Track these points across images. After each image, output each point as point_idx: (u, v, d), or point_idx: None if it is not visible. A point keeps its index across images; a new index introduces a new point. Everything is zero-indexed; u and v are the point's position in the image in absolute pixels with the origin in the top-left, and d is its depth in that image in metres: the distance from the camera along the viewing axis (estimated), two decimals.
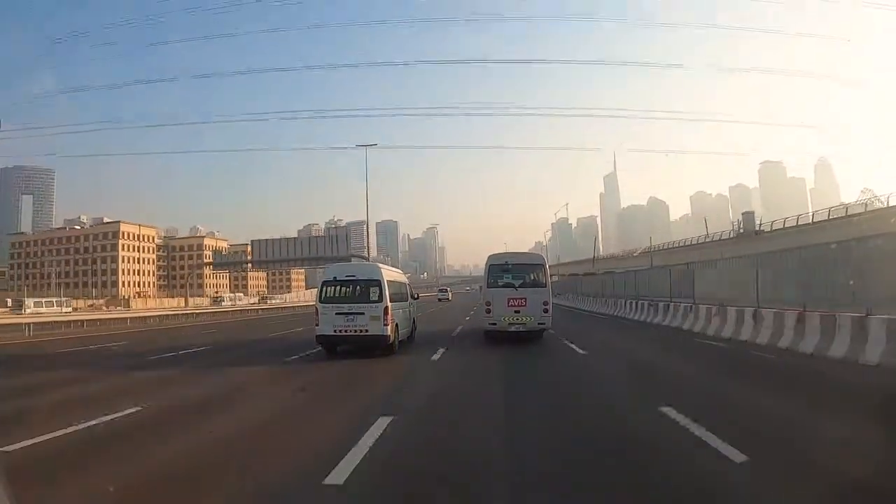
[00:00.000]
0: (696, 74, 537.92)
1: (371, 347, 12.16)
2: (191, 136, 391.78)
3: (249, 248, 58.09)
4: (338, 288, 12.72)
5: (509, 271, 15.06)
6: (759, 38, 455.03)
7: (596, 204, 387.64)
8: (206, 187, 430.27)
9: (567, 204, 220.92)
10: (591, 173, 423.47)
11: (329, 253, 47.98)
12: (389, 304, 12.19)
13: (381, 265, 14.04)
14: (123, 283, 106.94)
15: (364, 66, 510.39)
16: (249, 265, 58.87)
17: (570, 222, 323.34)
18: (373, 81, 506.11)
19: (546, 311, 14.35)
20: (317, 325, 12.28)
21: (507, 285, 14.75)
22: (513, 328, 14.22)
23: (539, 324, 14.32)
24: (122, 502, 4.03)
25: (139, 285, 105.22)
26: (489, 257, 15.72)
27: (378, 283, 12.28)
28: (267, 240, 50.98)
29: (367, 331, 11.96)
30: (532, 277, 15.01)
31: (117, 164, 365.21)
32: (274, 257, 49.73)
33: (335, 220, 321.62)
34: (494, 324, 14.50)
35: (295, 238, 49.66)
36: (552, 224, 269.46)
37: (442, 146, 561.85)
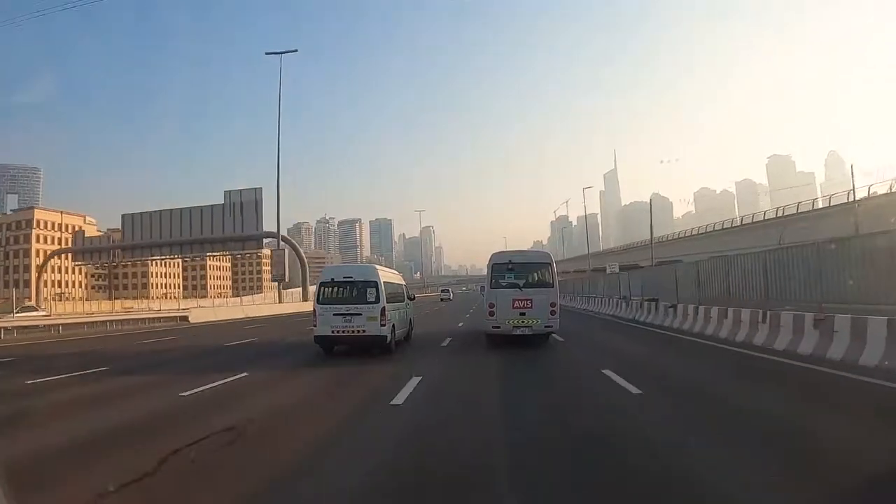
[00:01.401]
0: (701, 67, 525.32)
1: (368, 347, 12.26)
2: (184, 134, 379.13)
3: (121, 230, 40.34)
4: (335, 289, 12.79)
5: (513, 270, 13.72)
6: (767, 28, 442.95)
7: (597, 202, 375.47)
8: (197, 184, 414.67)
9: (567, 201, 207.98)
10: (592, 170, 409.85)
11: (231, 230, 32.65)
12: (386, 304, 12.30)
13: (377, 266, 14.03)
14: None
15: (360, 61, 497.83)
16: (115, 253, 41.75)
17: (570, 220, 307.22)
18: (369, 78, 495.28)
19: (553, 312, 13.10)
20: (314, 325, 12.35)
21: (511, 285, 13.47)
22: (518, 332, 13.06)
23: (546, 326, 13.19)
24: None
25: (61, 284, 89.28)
26: (492, 256, 14.18)
27: (375, 284, 12.37)
28: (142, 213, 34.15)
29: (364, 331, 12.07)
30: (538, 277, 13.73)
31: (107, 162, 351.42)
32: (153, 239, 33.42)
33: (326, 217, 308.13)
34: (498, 327, 13.27)
35: (182, 209, 32.83)
36: (551, 223, 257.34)
37: (439, 145, 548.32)
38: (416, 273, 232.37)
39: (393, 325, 12.67)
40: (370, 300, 12.16)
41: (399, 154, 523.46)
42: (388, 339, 12.31)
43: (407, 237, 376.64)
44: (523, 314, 13.00)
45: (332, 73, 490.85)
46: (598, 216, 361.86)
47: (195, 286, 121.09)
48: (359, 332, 12.03)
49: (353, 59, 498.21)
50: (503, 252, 14.73)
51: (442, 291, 75.24)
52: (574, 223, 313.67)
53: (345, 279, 12.82)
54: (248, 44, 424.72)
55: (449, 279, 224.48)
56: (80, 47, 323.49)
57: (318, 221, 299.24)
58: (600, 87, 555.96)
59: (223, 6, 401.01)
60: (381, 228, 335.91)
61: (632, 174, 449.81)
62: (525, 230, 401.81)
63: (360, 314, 12.04)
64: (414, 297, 17.59)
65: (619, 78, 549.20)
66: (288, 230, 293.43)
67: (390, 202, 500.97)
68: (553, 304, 13.17)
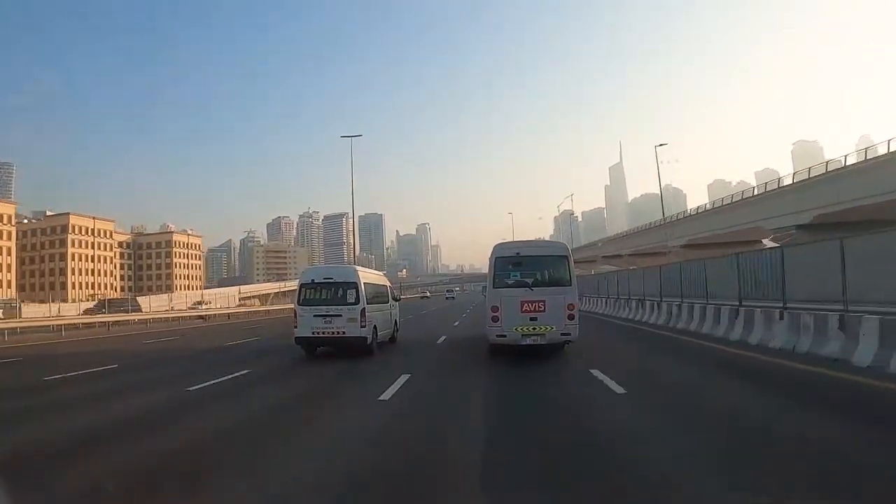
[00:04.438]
0: (714, 55, 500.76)
1: (349, 349, 12.17)
2: (166, 130, 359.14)
3: None
4: (315, 290, 12.73)
5: (522, 265, 11.34)
6: (787, 10, 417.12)
7: (602, 196, 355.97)
8: (179, 181, 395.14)
9: (572, 194, 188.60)
10: (598, 165, 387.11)
11: None
12: (366, 305, 12.31)
13: (358, 267, 14.13)
14: None
15: (357, 54, 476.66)
16: None
17: (575, 215, 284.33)
18: (367, 68, 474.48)
19: (572, 317, 10.79)
20: (295, 327, 12.34)
21: (519, 284, 11.09)
22: (528, 341, 10.64)
23: (562, 334, 10.76)
24: None
25: None
26: (495, 247, 11.73)
27: (354, 286, 12.36)
28: None
29: (344, 333, 12.05)
30: (552, 273, 11.29)
31: (85, 158, 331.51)
32: None
33: (310, 211, 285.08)
34: (503, 335, 10.85)
35: None
36: (554, 218, 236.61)
37: (440, 143, 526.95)
38: (399, 271, 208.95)
39: (374, 327, 12.76)
40: (350, 301, 12.16)
41: (396, 150, 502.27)
42: (369, 340, 12.32)
43: (401, 234, 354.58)
44: (534, 319, 10.66)
45: (329, 67, 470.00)
46: (604, 211, 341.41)
47: (33, 285, 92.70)
48: (339, 333, 12.04)
49: (350, 54, 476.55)
50: (508, 243, 12.62)
51: (447, 291, 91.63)
52: (579, 218, 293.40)
53: (325, 280, 12.81)
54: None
55: (441, 277, 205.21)
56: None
57: (301, 216, 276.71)
58: (606, 78, 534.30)
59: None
60: (372, 224, 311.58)
61: (640, 168, 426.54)
62: (527, 227, 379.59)
63: (341, 315, 12.05)
64: (399, 299, 17.61)
65: (625, 69, 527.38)
66: (267, 225, 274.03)
67: (386, 199, 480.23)
68: (571, 307, 10.84)
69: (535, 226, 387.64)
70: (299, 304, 12.36)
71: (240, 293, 77.02)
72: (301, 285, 12.72)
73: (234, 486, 4.36)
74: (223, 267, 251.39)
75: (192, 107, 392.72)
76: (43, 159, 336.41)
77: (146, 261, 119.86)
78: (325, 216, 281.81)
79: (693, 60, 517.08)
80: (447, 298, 71.48)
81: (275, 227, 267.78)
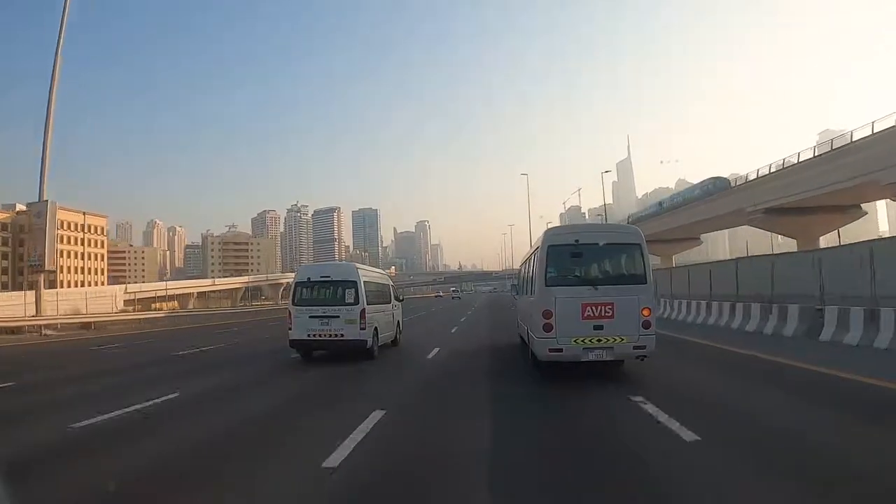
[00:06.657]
0: (731, 31, 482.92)
1: (348, 353, 11.42)
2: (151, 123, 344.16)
3: None
4: (312, 289, 12.03)
5: (582, 256, 8.38)
6: None
7: (609, 193, 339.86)
8: (162, 175, 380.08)
9: (580, 189, 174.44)
10: (604, 160, 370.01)
11: None
12: (367, 306, 11.56)
13: (358, 265, 13.24)
14: None
15: (357, 46, 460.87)
16: None
17: (582, 211, 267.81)
18: (369, 61, 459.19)
19: (647, 324, 8.01)
20: (290, 328, 11.64)
21: (579, 282, 8.28)
22: (591, 356, 7.95)
23: (635, 347, 7.99)
24: None
25: None
26: (547, 233, 8.89)
27: (354, 284, 11.60)
28: None
29: (342, 335, 11.27)
30: (622, 267, 8.51)
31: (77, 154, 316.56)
32: None
33: (298, 205, 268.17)
34: (559, 349, 8.01)
35: None
36: (560, 214, 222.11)
37: (440, 140, 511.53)
38: (388, 269, 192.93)
39: (375, 329, 11.96)
40: (349, 302, 11.41)
41: (397, 149, 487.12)
42: (369, 343, 11.53)
43: (399, 231, 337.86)
44: (600, 328, 7.86)
45: (328, 58, 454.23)
46: (613, 207, 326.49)
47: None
48: (337, 336, 11.25)
49: (350, 50, 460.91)
50: (563, 227, 10.56)
51: (453, 291, 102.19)
52: (586, 216, 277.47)
53: (322, 279, 12.03)
54: None
55: (436, 277, 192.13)
56: None
57: (289, 210, 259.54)
58: (612, 73, 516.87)
59: None
60: (366, 220, 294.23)
61: (648, 164, 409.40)
62: (528, 226, 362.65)
63: (338, 317, 11.29)
64: (402, 299, 16.37)
65: (630, 65, 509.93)
66: (252, 219, 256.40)
67: (384, 198, 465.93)
68: (647, 312, 8.05)
69: (536, 225, 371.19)
70: (294, 304, 11.69)
71: (125, 293, 57.66)
72: (296, 284, 12.08)
73: None
74: (200, 262, 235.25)
75: (188, 101, 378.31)
76: (32, 155, 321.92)
77: (27, 247, 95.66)
78: (315, 210, 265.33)
79: (702, 54, 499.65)
80: (453, 298, 78.81)
81: (260, 221, 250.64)
